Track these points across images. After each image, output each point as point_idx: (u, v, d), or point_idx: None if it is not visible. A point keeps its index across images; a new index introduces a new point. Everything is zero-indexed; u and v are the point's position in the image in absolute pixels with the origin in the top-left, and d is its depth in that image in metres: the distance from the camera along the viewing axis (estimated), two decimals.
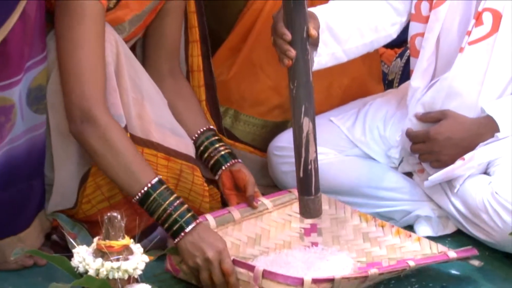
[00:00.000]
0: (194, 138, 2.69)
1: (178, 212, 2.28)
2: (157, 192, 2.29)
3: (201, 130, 2.70)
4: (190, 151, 2.61)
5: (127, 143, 2.38)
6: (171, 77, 2.77)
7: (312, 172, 2.34)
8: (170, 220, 2.27)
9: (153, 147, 2.51)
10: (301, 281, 2.08)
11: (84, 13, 2.37)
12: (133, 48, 2.74)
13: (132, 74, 2.53)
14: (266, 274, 2.13)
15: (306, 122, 2.32)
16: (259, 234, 2.55)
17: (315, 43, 2.45)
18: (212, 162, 2.65)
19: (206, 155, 2.66)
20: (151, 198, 2.29)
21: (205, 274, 2.25)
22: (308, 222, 2.62)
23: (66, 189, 2.48)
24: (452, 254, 2.34)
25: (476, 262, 2.37)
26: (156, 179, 2.30)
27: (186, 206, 2.31)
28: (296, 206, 2.54)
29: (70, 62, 2.38)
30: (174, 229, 2.26)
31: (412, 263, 2.27)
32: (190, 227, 2.25)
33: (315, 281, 2.10)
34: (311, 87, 2.36)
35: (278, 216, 2.60)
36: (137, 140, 2.47)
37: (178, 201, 2.30)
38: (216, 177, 2.65)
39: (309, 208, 2.38)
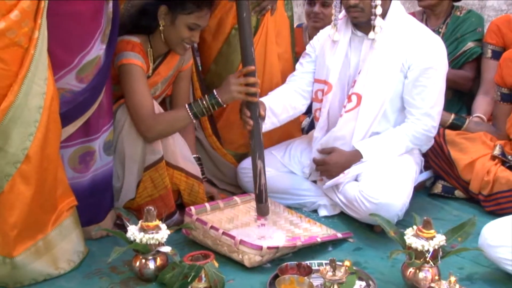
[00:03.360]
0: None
1: (210, 98, 2.47)
2: (195, 103, 2.49)
3: (194, 155, 2.73)
4: (199, 173, 2.65)
5: (165, 114, 2.53)
6: None
7: (263, 191, 2.48)
8: (208, 102, 2.47)
9: (179, 170, 2.55)
10: (261, 247, 2.18)
11: (133, 72, 2.44)
12: (162, 102, 2.78)
13: None
14: (241, 241, 2.20)
15: (259, 163, 2.47)
16: (232, 217, 2.58)
17: (262, 118, 2.54)
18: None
19: None
20: (193, 107, 2.47)
21: (239, 94, 2.44)
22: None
23: (129, 191, 2.53)
24: (339, 235, 2.45)
25: (351, 239, 2.45)
26: (187, 104, 2.51)
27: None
28: (252, 203, 2.62)
29: (132, 98, 2.43)
30: (211, 102, 2.47)
31: (318, 239, 2.36)
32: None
33: (268, 247, 2.20)
34: (262, 142, 2.49)
35: (243, 208, 2.66)
36: (170, 165, 2.53)
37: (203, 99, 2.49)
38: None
39: (261, 211, 2.51)
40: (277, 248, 2.25)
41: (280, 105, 2.72)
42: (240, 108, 2.52)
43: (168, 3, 2.48)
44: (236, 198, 2.69)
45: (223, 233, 2.28)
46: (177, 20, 2.49)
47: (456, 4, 3.38)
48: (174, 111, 2.61)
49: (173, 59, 2.67)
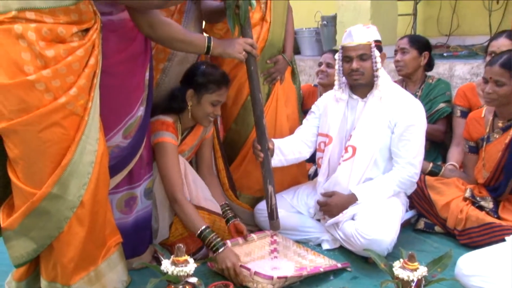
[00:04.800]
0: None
1: (216, 240, 2.28)
2: (206, 231, 2.30)
3: (222, 203, 2.66)
4: (219, 210, 2.60)
5: (191, 208, 2.37)
6: (208, 175, 2.71)
7: (274, 210, 2.47)
8: (212, 244, 2.28)
9: (202, 209, 2.50)
10: (272, 277, 2.15)
11: (167, 149, 2.42)
12: (190, 163, 2.71)
13: (191, 176, 2.56)
14: (256, 273, 2.17)
15: (270, 188, 2.46)
16: (250, 251, 2.55)
17: (272, 154, 2.54)
18: (226, 219, 2.62)
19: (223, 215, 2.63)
20: (203, 234, 2.30)
21: (226, 271, 2.24)
22: (273, 246, 2.60)
23: (164, 231, 2.51)
24: (339, 265, 2.39)
25: (349, 269, 2.41)
26: (204, 226, 2.31)
27: (220, 238, 2.30)
28: (267, 239, 2.60)
29: (165, 174, 2.40)
30: (214, 248, 2.27)
31: (321, 269, 2.32)
32: (221, 248, 2.27)
33: (278, 277, 2.17)
34: (271, 170, 2.49)
35: (259, 243, 2.60)
36: (195, 206, 2.45)
37: (215, 235, 2.30)
38: (228, 225, 2.60)
39: (273, 226, 2.49)
40: (285, 277, 2.21)
41: (288, 148, 2.72)
42: (252, 144, 2.54)
43: (194, 87, 2.48)
44: (253, 235, 2.62)
45: (241, 265, 2.24)
46: (202, 99, 2.49)
47: (428, 74, 3.45)
48: (191, 216, 2.36)
49: (198, 130, 2.65)
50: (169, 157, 2.41)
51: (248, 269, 2.20)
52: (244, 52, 2.35)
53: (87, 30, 1.90)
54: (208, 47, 2.29)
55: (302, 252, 2.55)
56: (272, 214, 2.47)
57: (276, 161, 2.66)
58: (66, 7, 1.80)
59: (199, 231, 2.31)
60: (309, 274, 2.30)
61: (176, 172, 2.40)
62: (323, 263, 2.44)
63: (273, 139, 2.64)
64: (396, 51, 3.40)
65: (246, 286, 2.23)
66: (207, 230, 2.31)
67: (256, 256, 2.54)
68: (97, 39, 1.93)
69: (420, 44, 3.34)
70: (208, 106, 2.50)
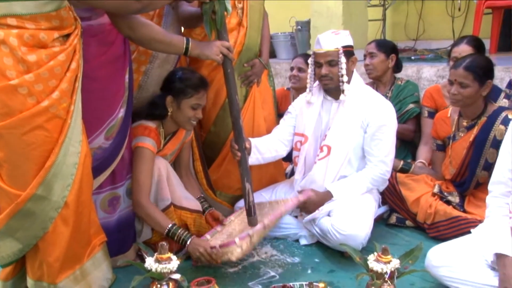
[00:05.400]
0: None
1: (184, 234, 2.30)
2: (173, 228, 2.31)
3: (198, 196, 2.65)
4: (200, 207, 2.60)
5: (156, 210, 2.36)
6: (185, 176, 2.70)
7: (251, 207, 2.42)
8: (181, 238, 2.29)
9: (184, 209, 2.50)
10: (233, 242, 2.17)
11: (144, 155, 2.38)
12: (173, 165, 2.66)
13: (174, 178, 2.54)
14: (221, 246, 2.19)
15: (247, 185, 2.42)
16: (231, 232, 2.54)
17: (249, 153, 2.55)
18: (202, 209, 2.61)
19: None
20: (171, 232, 2.30)
21: (203, 258, 2.25)
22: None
23: (147, 231, 2.48)
24: (300, 198, 2.47)
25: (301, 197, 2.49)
26: (171, 224, 2.32)
27: (187, 232, 2.31)
28: (243, 214, 2.53)
29: (136, 178, 2.37)
30: (183, 242, 2.29)
31: (282, 211, 2.41)
32: (189, 240, 2.28)
33: (240, 238, 2.19)
34: (248, 168, 2.47)
35: (237, 221, 2.61)
36: (177, 206, 2.47)
37: (182, 230, 2.31)
38: (204, 215, 2.60)
39: (251, 222, 2.43)
40: (248, 235, 2.21)
41: (265, 147, 2.70)
42: (230, 144, 2.53)
43: (172, 93, 2.47)
44: (230, 217, 2.63)
45: (213, 247, 2.23)
46: (182, 105, 2.47)
47: (397, 76, 3.50)
48: (156, 219, 2.35)
49: (180, 135, 2.63)
50: (144, 163, 2.38)
51: (214, 247, 2.21)
52: (221, 55, 2.35)
53: (68, 36, 1.88)
54: (187, 48, 2.28)
55: (274, 206, 2.55)
56: (250, 210, 2.45)
57: (254, 159, 2.65)
58: (47, 13, 1.78)
59: (166, 230, 2.31)
60: (271, 222, 2.31)
61: (147, 178, 2.38)
62: (282, 207, 2.46)
63: (250, 138, 2.63)
64: (365, 56, 3.45)
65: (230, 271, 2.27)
66: (174, 227, 2.32)
67: (237, 233, 2.52)
68: (78, 44, 1.91)
69: (387, 47, 3.38)
70: (188, 110, 2.48)
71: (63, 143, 1.87)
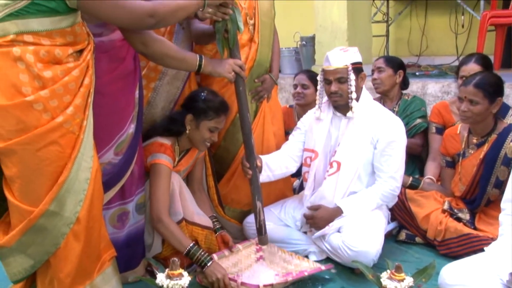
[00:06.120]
0: None
1: (204, 256, 2.28)
2: (194, 249, 2.29)
3: (209, 215, 2.62)
4: (211, 224, 2.57)
5: (176, 227, 2.33)
6: (198, 191, 2.70)
7: (262, 225, 2.44)
8: (201, 260, 2.27)
9: (196, 225, 2.48)
10: (258, 286, 2.16)
11: (162, 171, 2.38)
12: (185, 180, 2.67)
13: (187, 194, 2.53)
14: (242, 283, 2.20)
15: (258, 204, 2.42)
16: (237, 261, 2.52)
17: (260, 170, 2.54)
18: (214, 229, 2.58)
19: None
20: (191, 252, 2.28)
21: (216, 284, 2.24)
22: (259, 254, 2.59)
23: (157, 245, 2.47)
24: (323, 267, 2.40)
25: (333, 270, 2.43)
26: (191, 244, 2.30)
27: (207, 254, 2.30)
28: (252, 248, 2.59)
29: (155, 195, 2.35)
30: (203, 264, 2.27)
31: (306, 273, 2.33)
32: (209, 263, 2.27)
33: (264, 285, 2.17)
34: (260, 187, 2.47)
35: (245, 252, 2.58)
36: (188, 222, 2.45)
37: (202, 251, 2.30)
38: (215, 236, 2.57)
39: (262, 241, 2.46)
40: (271, 285, 2.20)
41: (275, 164, 2.70)
42: (241, 162, 2.52)
43: (193, 112, 2.47)
44: (238, 245, 2.59)
45: (229, 278, 2.24)
46: (201, 125, 2.48)
47: (403, 91, 3.51)
48: (177, 236, 2.32)
49: (193, 152, 2.64)
50: (162, 179, 2.37)
51: (235, 280, 2.20)
52: (233, 73, 2.35)
53: (81, 51, 1.89)
54: (200, 65, 2.28)
55: (287, 258, 2.54)
56: (261, 229, 2.44)
57: (264, 176, 2.64)
58: (62, 29, 1.79)
59: (187, 249, 2.29)
60: (294, 280, 2.28)
61: (165, 195, 2.37)
62: (308, 267, 2.42)
63: (260, 156, 2.62)
64: (373, 71, 3.46)
65: None
66: (195, 248, 2.29)
67: (243, 265, 2.51)
68: (91, 60, 1.92)
69: (395, 63, 3.41)
70: (205, 132, 2.48)
71: (76, 158, 1.85)
